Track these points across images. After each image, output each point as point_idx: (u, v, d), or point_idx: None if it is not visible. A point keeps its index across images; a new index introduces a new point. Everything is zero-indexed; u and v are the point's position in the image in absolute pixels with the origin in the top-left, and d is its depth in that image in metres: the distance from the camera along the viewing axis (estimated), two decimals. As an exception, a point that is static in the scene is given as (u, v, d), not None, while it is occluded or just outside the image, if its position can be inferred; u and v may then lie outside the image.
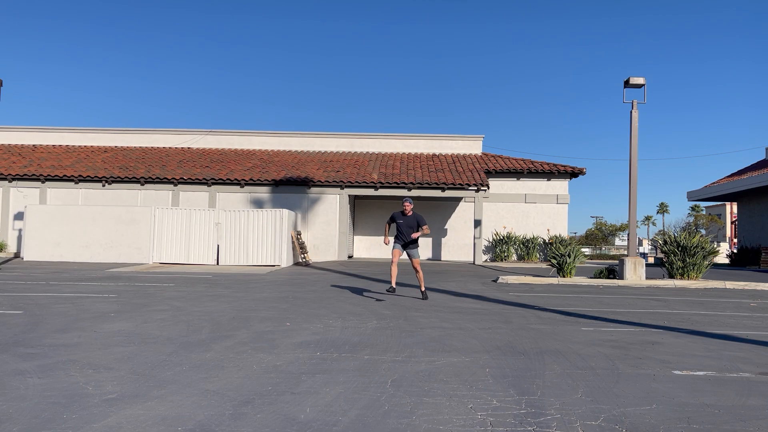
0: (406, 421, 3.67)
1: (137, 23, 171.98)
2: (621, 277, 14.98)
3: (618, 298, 11.36)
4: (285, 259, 19.63)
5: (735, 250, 31.60)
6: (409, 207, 10.21)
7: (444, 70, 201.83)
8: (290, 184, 23.19)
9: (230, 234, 19.73)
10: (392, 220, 10.42)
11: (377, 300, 10.24)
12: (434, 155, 27.28)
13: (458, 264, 22.46)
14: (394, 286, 10.10)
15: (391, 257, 10.32)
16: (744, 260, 28.44)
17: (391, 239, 10.58)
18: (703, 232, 74.26)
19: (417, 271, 10.35)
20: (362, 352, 5.74)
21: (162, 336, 6.48)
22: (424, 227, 10.17)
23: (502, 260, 24.71)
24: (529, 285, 13.78)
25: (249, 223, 19.73)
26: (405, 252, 10.32)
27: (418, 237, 10.24)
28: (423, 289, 10.45)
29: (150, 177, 23.32)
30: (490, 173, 25.29)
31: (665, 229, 77.82)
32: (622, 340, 6.69)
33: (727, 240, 64.54)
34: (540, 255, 25.15)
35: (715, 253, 15.92)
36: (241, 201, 23.48)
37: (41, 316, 7.73)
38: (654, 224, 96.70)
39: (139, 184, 23.58)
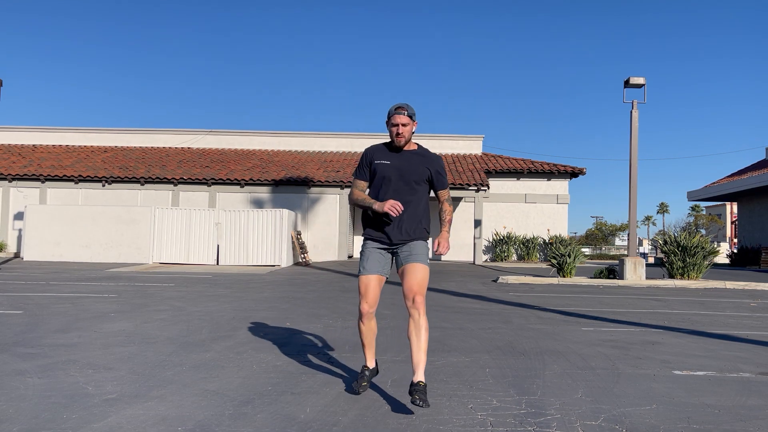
0: (406, 421, 3.67)
1: (137, 23, 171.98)
2: (621, 277, 14.98)
3: (618, 298, 11.35)
4: (285, 259, 19.63)
5: (735, 250, 31.60)
6: (406, 128, 3.92)
7: (444, 70, 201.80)
8: (290, 184, 23.19)
9: (230, 234, 19.74)
10: (368, 167, 4.05)
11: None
12: (434, 155, 27.26)
13: (458, 264, 22.46)
14: (371, 365, 4.31)
15: (359, 294, 4.04)
16: (744, 260, 28.45)
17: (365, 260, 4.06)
18: (703, 232, 74.22)
19: (413, 316, 3.85)
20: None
21: (162, 336, 6.48)
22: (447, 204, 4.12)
23: (502, 260, 24.70)
24: (529, 285, 13.78)
25: (249, 223, 19.73)
26: (393, 258, 4.08)
27: (443, 248, 3.96)
28: (418, 378, 3.74)
29: (150, 177, 23.32)
30: (490, 173, 25.29)
31: (665, 229, 77.78)
32: (622, 340, 6.68)
33: (727, 240, 64.56)
34: (540, 255, 25.14)
35: (715, 253, 15.92)
36: (241, 201, 23.48)
37: (41, 316, 7.72)
38: (654, 224, 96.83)
39: (139, 184, 23.58)
